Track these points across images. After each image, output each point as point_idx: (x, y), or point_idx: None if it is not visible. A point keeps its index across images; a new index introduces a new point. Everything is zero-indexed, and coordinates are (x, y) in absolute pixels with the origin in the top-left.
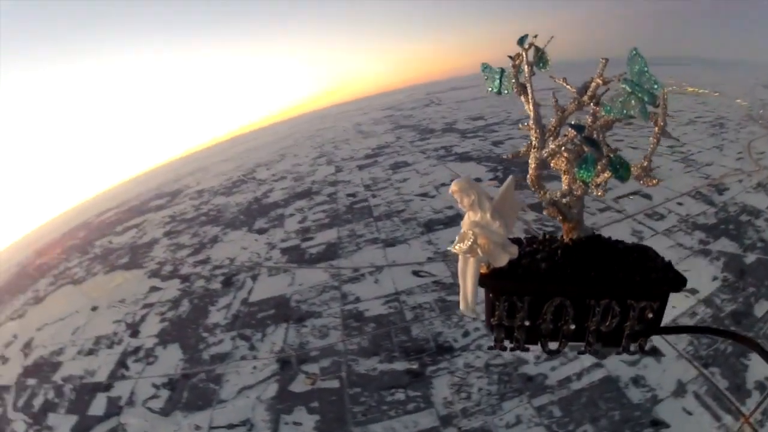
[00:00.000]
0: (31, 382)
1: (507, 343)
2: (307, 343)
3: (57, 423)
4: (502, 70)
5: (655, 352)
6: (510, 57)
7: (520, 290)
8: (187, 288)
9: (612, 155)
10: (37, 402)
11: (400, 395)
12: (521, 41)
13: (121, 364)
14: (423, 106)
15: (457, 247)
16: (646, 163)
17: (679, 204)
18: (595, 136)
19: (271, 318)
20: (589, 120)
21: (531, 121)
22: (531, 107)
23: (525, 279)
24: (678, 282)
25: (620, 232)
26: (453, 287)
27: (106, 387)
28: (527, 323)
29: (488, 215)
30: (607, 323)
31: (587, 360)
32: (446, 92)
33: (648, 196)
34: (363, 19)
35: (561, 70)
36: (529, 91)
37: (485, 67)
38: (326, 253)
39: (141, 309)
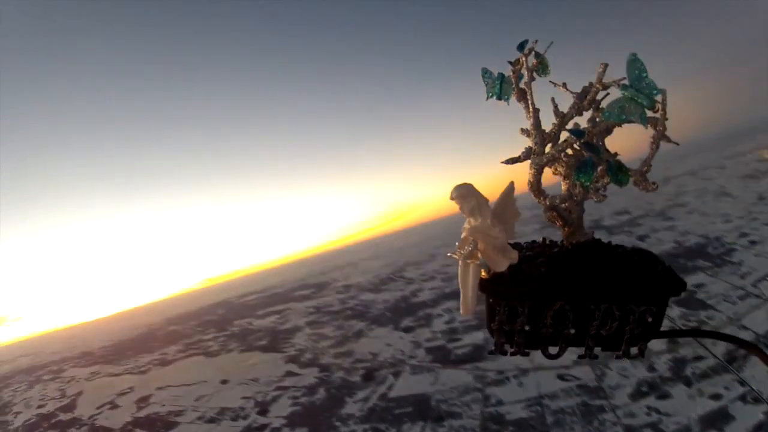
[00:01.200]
0: (138, 431)
1: (507, 348)
2: None
3: None
4: (502, 76)
5: None
6: (510, 63)
7: (520, 295)
8: (326, 377)
9: (611, 160)
10: None
11: None
12: (521, 47)
13: None
14: None
15: (457, 252)
16: (645, 169)
17: None
18: (594, 141)
19: (408, 415)
20: (589, 125)
21: (530, 127)
22: (531, 112)
23: (525, 284)
24: (677, 286)
25: (760, 319)
26: (597, 391)
27: None
28: (527, 328)
29: (488, 221)
30: (608, 327)
31: None
32: None
33: None
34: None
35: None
36: (528, 96)
37: (485, 72)
38: (472, 354)
39: (274, 390)
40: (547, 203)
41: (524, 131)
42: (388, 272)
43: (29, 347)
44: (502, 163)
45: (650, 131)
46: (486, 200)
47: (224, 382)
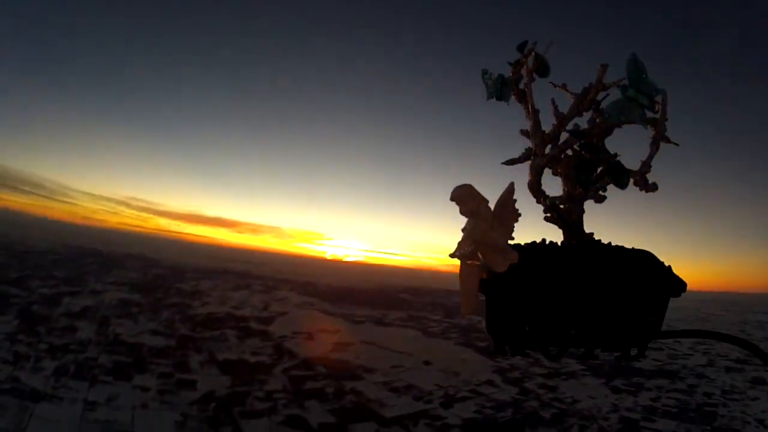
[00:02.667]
0: (321, 368)
1: (507, 349)
2: None
3: (312, 406)
4: (502, 77)
5: None
6: (510, 63)
7: (520, 295)
8: (520, 400)
9: (611, 161)
10: (310, 385)
11: None
12: (521, 48)
13: (415, 416)
14: None
15: (457, 253)
16: (645, 170)
17: None
18: (594, 142)
19: None
20: (588, 126)
21: (530, 128)
22: (530, 113)
23: (525, 284)
24: (678, 287)
25: None
26: None
27: (383, 422)
28: (527, 328)
29: (488, 222)
30: (607, 328)
31: None
32: None
33: None
34: None
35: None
36: (528, 97)
37: (485, 73)
38: None
39: (467, 390)
40: (547, 204)
41: (524, 132)
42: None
43: (258, 259)
44: (502, 164)
45: (650, 132)
46: (486, 201)
47: (427, 363)
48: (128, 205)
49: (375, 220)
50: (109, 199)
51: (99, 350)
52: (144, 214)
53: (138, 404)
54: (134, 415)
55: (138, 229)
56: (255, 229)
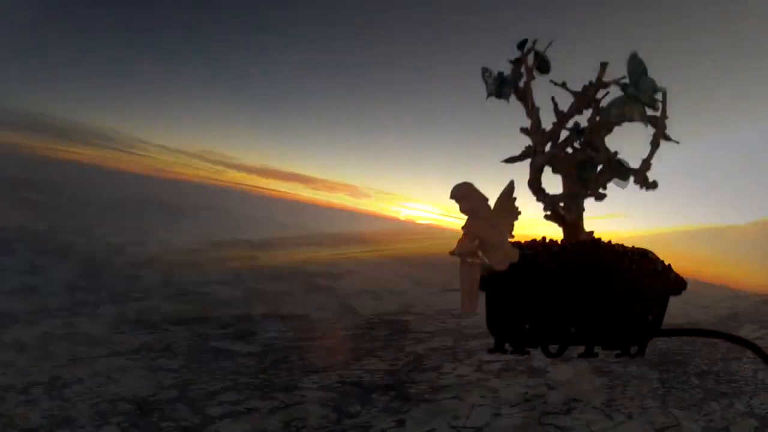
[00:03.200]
0: (383, 329)
1: (507, 347)
2: None
3: (368, 365)
4: (502, 75)
5: None
6: (510, 61)
7: (520, 293)
8: (573, 381)
9: (611, 159)
10: (370, 344)
11: None
12: (521, 46)
13: (470, 385)
14: None
15: (457, 251)
16: (645, 167)
17: None
18: (594, 140)
19: None
20: (589, 124)
21: (530, 126)
22: (530, 112)
23: (525, 282)
24: (678, 285)
25: None
26: None
27: (438, 388)
28: (527, 326)
29: (488, 220)
30: (607, 326)
31: None
32: None
33: None
34: None
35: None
36: (528, 95)
37: (485, 71)
38: None
39: (524, 366)
40: (547, 202)
41: (524, 130)
42: None
43: (332, 216)
44: (502, 162)
45: (650, 130)
46: (486, 199)
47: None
48: (203, 158)
49: (450, 183)
50: (183, 152)
51: (162, 298)
52: (219, 167)
53: (195, 351)
54: (190, 362)
55: (212, 182)
56: (331, 186)
